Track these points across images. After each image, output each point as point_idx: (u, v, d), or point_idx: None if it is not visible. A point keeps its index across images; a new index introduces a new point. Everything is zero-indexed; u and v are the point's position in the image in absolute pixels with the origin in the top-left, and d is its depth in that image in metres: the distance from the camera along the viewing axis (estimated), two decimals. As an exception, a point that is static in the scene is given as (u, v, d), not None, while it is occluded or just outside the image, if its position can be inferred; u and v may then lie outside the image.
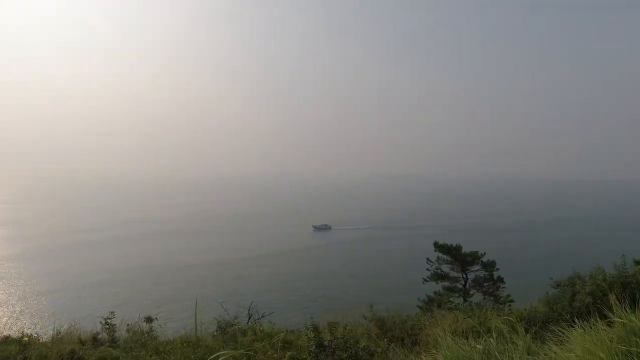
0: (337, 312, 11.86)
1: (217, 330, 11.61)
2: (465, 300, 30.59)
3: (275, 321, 12.71)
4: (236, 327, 11.27)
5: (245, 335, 9.98)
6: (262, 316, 15.84)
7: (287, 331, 10.90)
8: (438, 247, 32.97)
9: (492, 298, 30.41)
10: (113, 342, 10.93)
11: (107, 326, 11.58)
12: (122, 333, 11.60)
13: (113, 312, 11.94)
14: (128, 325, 11.93)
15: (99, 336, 11.47)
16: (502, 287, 32.89)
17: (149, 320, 12.53)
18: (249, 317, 15.60)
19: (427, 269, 33.48)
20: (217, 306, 16.72)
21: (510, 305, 13.20)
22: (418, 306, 30.67)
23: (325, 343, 8.10)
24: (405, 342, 9.74)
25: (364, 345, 8.16)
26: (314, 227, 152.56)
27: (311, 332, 8.32)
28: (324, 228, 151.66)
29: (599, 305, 8.91)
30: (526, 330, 10.38)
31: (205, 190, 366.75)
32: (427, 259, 33.80)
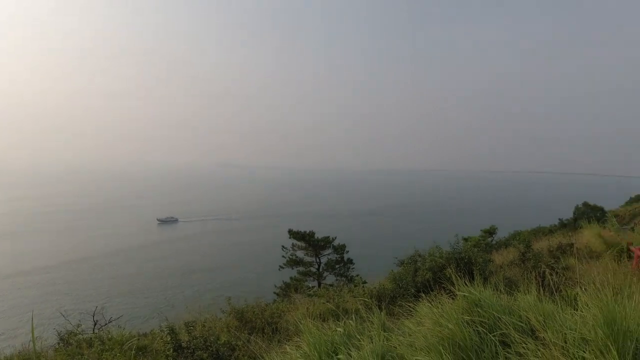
0: (194, 310, 11.31)
1: (59, 343, 10.35)
2: (319, 283, 32.00)
3: (125, 326, 11.70)
4: (80, 336, 10.17)
5: (92, 346, 8.98)
6: (110, 321, 14.58)
7: (139, 336, 10.12)
8: (292, 234, 33.94)
9: (344, 278, 32.31)
10: None
11: None
12: None
13: None
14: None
15: None
16: (352, 268, 35.15)
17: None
18: (95, 324, 14.21)
19: (283, 256, 34.27)
20: (57, 315, 14.92)
21: (364, 285, 14.00)
22: (275, 293, 31.20)
23: (184, 344, 7.67)
24: (265, 331, 9.75)
25: (224, 341, 7.91)
26: (158, 220, 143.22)
27: (167, 335, 7.82)
28: (170, 221, 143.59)
29: (439, 280, 9.96)
30: (379, 308, 11.15)
31: (42, 182, 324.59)
32: (282, 246, 34.68)
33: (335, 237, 35.64)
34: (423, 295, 6.58)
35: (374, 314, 5.61)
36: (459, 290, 4.85)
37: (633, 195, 75.69)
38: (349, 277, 33.30)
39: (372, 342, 4.63)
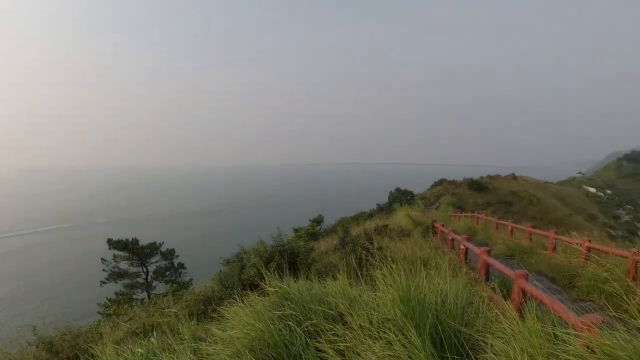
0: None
1: None
2: (149, 294, 29.80)
3: None
4: None
5: None
6: None
7: None
8: (113, 244, 30.80)
9: (175, 285, 30.62)
10: None
11: None
12: None
13: None
14: None
15: None
16: (184, 273, 33.58)
17: None
18: None
19: (104, 270, 30.89)
20: None
21: (193, 289, 13.28)
22: (99, 312, 28.14)
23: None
24: (78, 360, 8.49)
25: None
26: None
27: None
28: None
29: (263, 275, 9.81)
30: (204, 313, 10.53)
31: None
32: (102, 259, 31.20)
33: (163, 242, 33.64)
34: (249, 293, 6.28)
35: (183, 325, 5.08)
36: (269, 285, 4.64)
37: (437, 180, 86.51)
38: (181, 283, 31.75)
39: (177, 358, 4.13)
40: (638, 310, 3.57)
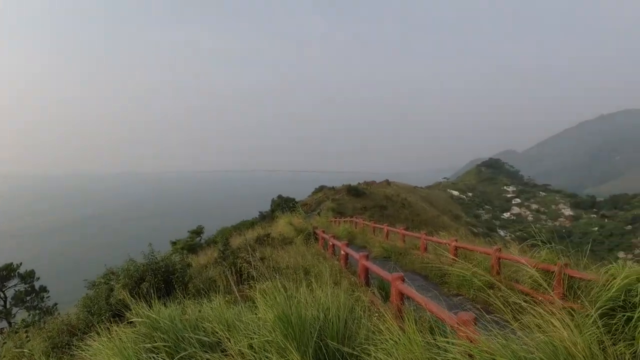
0: None
1: None
2: (10, 323, 26.12)
3: None
4: None
5: None
6: None
7: None
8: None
9: (38, 311, 27.28)
10: None
11: None
12: None
13: None
14: None
15: None
16: (47, 297, 30.08)
17: None
18: None
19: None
20: None
21: (58, 314, 11.82)
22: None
23: None
24: None
25: None
26: None
27: None
28: None
29: (135, 297, 8.92)
30: (68, 345, 9.36)
31: None
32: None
33: (21, 263, 29.77)
34: (118, 321, 5.61)
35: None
36: (136, 314, 4.11)
37: (318, 187, 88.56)
38: (45, 309, 28.32)
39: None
40: (502, 302, 3.78)
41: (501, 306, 3.70)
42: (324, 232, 16.52)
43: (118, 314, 8.60)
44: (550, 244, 8.38)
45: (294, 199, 54.91)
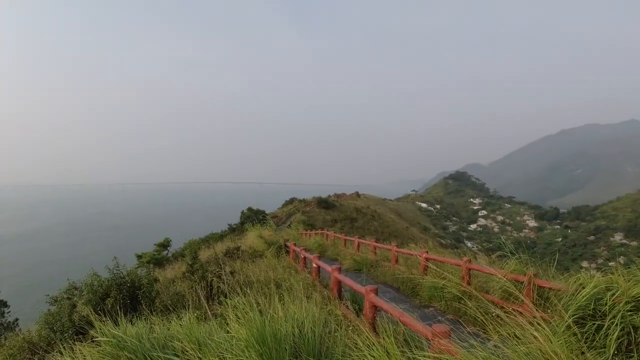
0: None
1: None
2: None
3: None
4: None
5: None
6: None
7: None
8: None
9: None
10: None
11: None
12: None
13: None
14: None
15: None
16: (8, 312, 28.76)
17: None
18: None
19: None
20: None
21: (20, 330, 11.29)
22: None
23: None
24: None
25: None
26: None
27: None
28: None
29: (100, 314, 8.57)
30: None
31: None
32: None
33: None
34: (82, 339, 5.37)
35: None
36: (101, 333, 3.91)
37: (288, 199, 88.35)
38: (6, 325, 27.05)
39: None
40: (474, 313, 3.78)
41: (479, 316, 3.69)
42: (295, 244, 16.38)
43: (81, 332, 8.25)
44: (518, 254, 8.53)
45: (264, 211, 54.43)
